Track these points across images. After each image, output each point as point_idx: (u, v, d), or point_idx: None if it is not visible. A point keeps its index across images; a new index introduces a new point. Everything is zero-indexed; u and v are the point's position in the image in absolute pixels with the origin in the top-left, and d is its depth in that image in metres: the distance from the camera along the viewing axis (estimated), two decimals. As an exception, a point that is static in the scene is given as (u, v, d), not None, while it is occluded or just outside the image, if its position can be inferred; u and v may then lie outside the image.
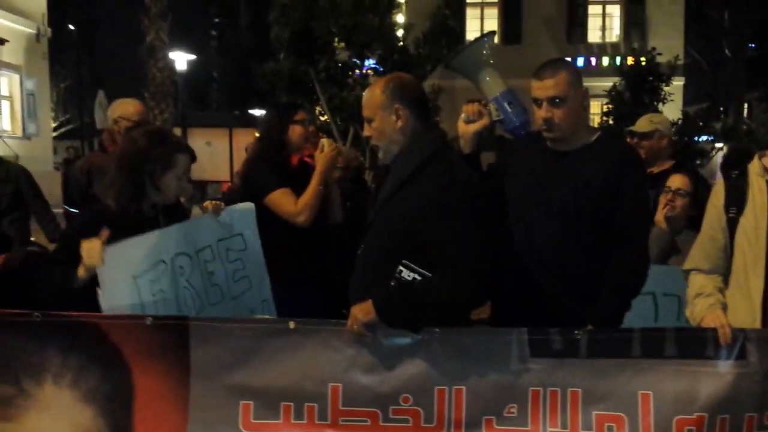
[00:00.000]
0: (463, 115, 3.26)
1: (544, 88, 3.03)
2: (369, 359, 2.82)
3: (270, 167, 4.06)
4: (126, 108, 4.81)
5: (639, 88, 16.85)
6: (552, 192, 3.07)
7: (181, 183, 3.20)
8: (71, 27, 38.38)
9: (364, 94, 2.99)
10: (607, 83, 22.50)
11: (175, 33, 20.60)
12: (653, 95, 15.91)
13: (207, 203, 3.55)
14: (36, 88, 22.40)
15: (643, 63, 17.55)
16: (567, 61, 3.17)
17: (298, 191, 3.99)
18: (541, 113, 3.06)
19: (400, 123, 2.87)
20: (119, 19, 40.90)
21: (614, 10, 25.61)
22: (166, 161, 3.13)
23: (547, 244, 3.05)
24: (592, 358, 2.74)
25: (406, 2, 9.92)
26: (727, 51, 30.59)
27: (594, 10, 25.60)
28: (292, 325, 2.85)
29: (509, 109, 3.30)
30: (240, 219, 3.62)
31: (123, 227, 2.97)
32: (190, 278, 3.25)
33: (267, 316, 3.42)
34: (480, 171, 3.30)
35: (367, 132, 2.95)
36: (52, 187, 22.07)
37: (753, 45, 30.32)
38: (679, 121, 17.33)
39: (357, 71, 9.88)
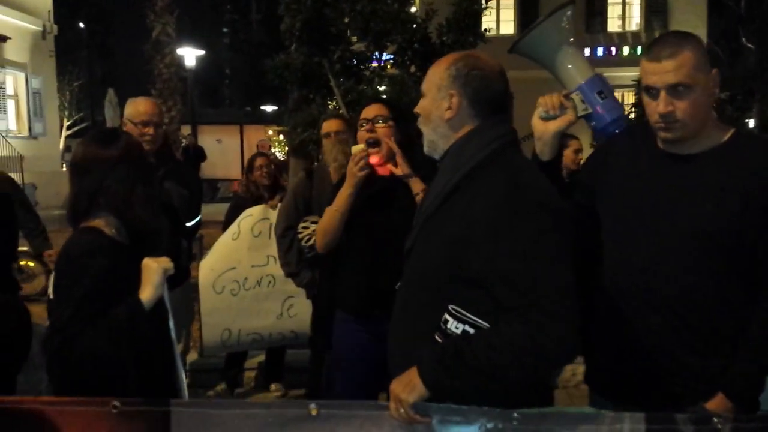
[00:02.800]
0: (539, 110, 2.50)
1: (662, 72, 2.21)
2: None
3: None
4: (135, 108, 4.25)
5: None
6: (673, 208, 2.29)
7: None
8: (82, 25, 38.08)
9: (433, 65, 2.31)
10: (628, 73, 21.83)
11: (184, 29, 20.10)
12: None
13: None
14: (42, 87, 21.93)
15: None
16: (691, 35, 2.32)
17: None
18: (657, 106, 2.24)
19: (449, 113, 2.18)
20: (129, 15, 40.51)
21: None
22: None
23: (665, 275, 2.28)
24: None
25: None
26: (744, 40, 29.88)
27: (613, -1, 24.91)
28: (313, 410, 2.09)
29: (600, 101, 2.54)
30: None
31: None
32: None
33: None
34: (562, 183, 2.53)
35: (417, 108, 2.27)
36: (60, 186, 21.70)
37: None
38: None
39: (375, 62, 9.22)
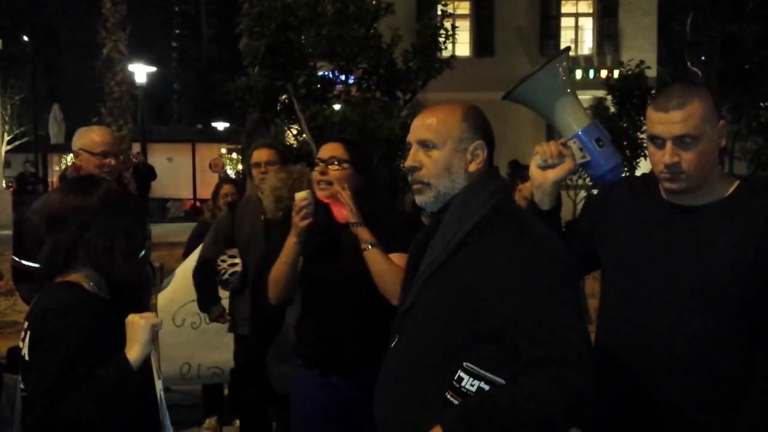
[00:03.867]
0: (537, 159, 2.47)
1: (669, 122, 2.20)
2: None
3: None
4: (90, 138, 3.97)
5: (626, 102, 16.24)
6: (677, 262, 2.25)
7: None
8: (26, 39, 37.13)
9: (425, 115, 2.18)
10: (581, 97, 22.07)
11: (133, 45, 19.62)
12: (640, 109, 15.31)
13: None
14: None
15: (623, 74, 16.97)
16: (699, 86, 2.33)
17: None
18: (663, 156, 2.22)
19: (474, 166, 2.12)
20: (76, 31, 39.69)
21: (587, 23, 25.27)
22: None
23: (671, 331, 2.23)
24: None
25: (391, 12, 9.17)
26: (689, 64, 30.63)
27: (566, 22, 25.21)
28: None
29: (598, 149, 2.52)
30: None
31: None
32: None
33: None
34: (560, 233, 2.48)
35: (412, 161, 2.12)
36: (2, 204, 20.91)
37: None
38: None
39: (340, 86, 9.06)
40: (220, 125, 32.90)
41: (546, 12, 24.80)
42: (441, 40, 9.14)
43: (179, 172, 23.04)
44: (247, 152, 10.74)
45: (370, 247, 2.94)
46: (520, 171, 7.92)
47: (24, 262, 3.99)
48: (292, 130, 9.32)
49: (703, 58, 30.02)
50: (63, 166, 29.25)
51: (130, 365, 2.17)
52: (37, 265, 3.98)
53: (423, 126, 2.14)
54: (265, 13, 8.33)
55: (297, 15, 8.32)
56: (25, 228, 4.02)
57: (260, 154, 4.51)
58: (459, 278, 2.00)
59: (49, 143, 28.07)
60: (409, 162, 2.13)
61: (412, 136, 2.15)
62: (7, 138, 32.93)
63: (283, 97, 9.03)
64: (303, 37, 8.75)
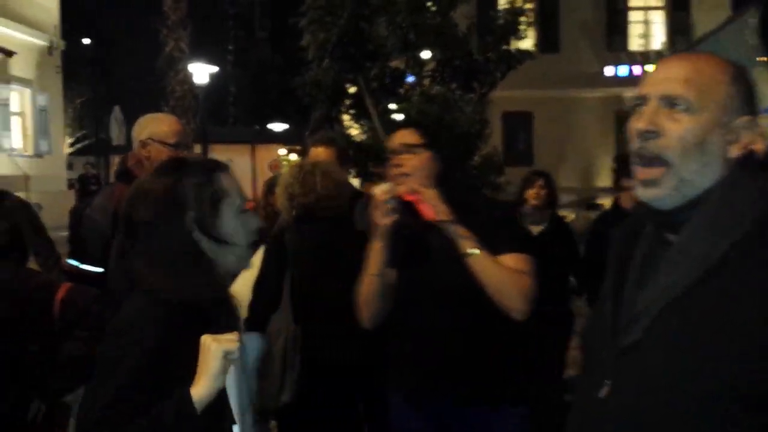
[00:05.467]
0: None
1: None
2: None
3: None
4: (159, 127, 3.55)
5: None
6: None
7: (244, 217, 1.92)
8: (86, 42, 37.68)
9: (676, 62, 1.48)
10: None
11: (193, 45, 19.50)
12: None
13: None
14: (48, 104, 21.26)
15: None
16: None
17: None
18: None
19: (736, 150, 1.46)
20: (136, 32, 40.11)
21: (657, 17, 24.33)
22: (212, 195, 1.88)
23: None
24: None
25: (466, 0, 8.69)
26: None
27: (635, 16, 24.34)
28: None
29: None
30: None
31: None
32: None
33: None
34: None
35: (648, 123, 1.46)
36: (64, 207, 21.02)
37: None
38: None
39: (412, 78, 8.57)
40: (276, 126, 32.79)
41: (613, 5, 23.99)
42: (522, 28, 8.60)
43: (239, 173, 22.88)
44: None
45: (473, 250, 2.38)
46: (628, 168, 7.17)
47: (83, 266, 3.56)
48: (361, 126, 8.85)
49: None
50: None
51: (192, 404, 1.68)
52: (99, 270, 3.57)
53: (674, 76, 1.47)
54: (336, 3, 7.90)
55: (369, 3, 7.87)
56: (86, 228, 3.60)
57: (316, 153, 4.04)
58: (727, 313, 1.38)
59: (110, 145, 28.26)
60: (642, 123, 1.46)
61: (653, 88, 1.49)
62: (68, 140, 33.39)
63: (352, 90, 8.55)
64: (374, 28, 8.26)
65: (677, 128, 1.45)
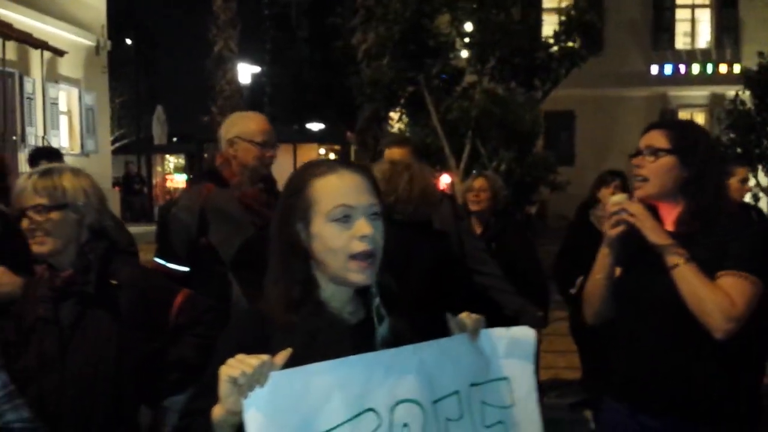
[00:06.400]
0: None
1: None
2: None
3: None
4: (246, 125, 3.53)
5: (766, 96, 15.03)
6: None
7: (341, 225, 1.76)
8: (128, 41, 38.05)
9: None
10: (698, 93, 20.98)
11: (241, 44, 19.59)
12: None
13: (464, 314, 1.91)
14: (95, 103, 21.49)
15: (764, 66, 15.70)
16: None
17: None
18: None
19: None
20: (178, 32, 40.46)
21: (704, 15, 23.97)
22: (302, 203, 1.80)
23: None
24: None
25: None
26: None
27: (682, 14, 23.99)
28: None
29: None
30: (509, 351, 1.95)
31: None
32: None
33: None
34: None
35: None
36: (112, 205, 21.26)
37: None
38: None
39: (476, 76, 8.47)
40: (314, 126, 32.81)
41: (659, 3, 23.66)
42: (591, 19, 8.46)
43: (283, 172, 22.92)
44: (352, 149, 10.28)
45: (680, 263, 2.35)
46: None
47: (169, 265, 3.56)
48: (420, 125, 8.77)
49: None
50: (165, 167, 29.70)
51: (210, 425, 1.57)
52: (184, 269, 3.55)
53: None
54: (395, 0, 7.84)
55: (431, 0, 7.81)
56: (174, 229, 3.59)
57: (391, 154, 3.99)
58: None
59: (151, 144, 28.48)
60: None
61: None
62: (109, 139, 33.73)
63: (410, 89, 8.47)
64: (436, 25, 8.20)
65: None
